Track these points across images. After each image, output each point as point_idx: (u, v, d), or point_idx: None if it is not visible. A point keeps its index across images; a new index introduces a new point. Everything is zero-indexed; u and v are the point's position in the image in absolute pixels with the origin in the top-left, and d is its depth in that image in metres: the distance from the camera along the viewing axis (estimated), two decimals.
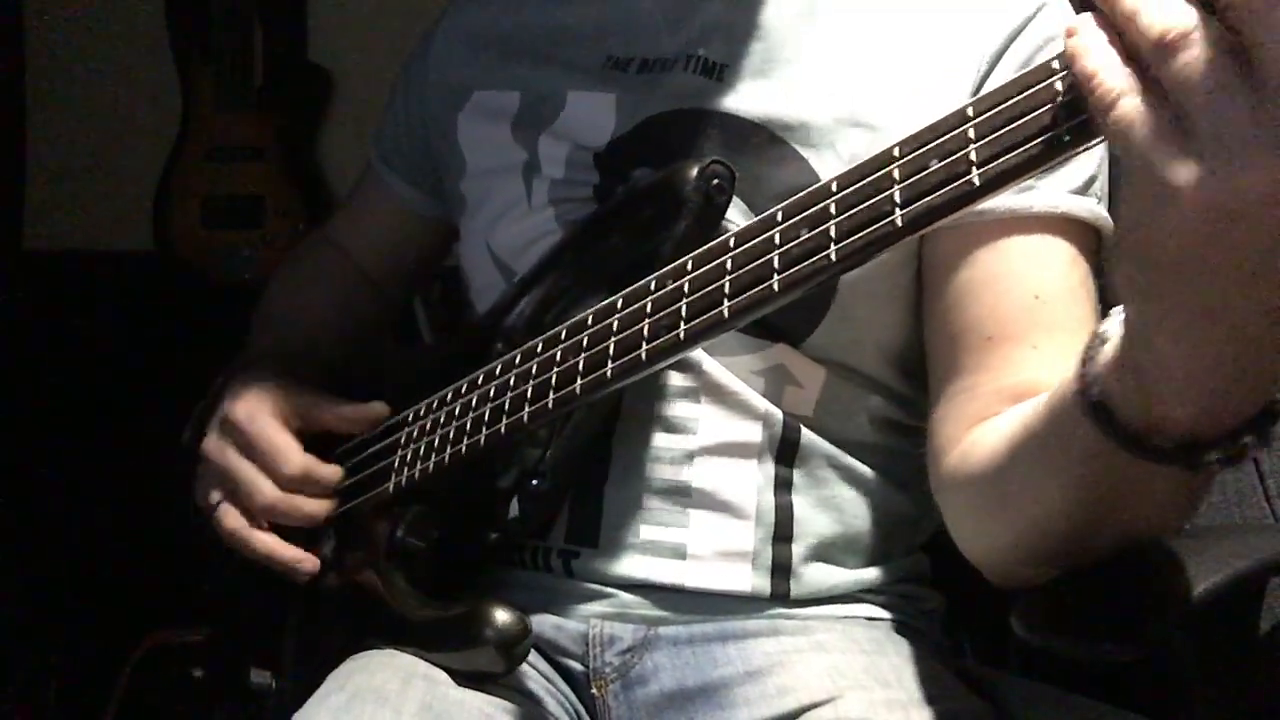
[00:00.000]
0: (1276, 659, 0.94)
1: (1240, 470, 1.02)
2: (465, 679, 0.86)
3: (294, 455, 0.96)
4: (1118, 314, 0.59)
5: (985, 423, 0.80)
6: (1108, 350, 0.59)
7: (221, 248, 2.10)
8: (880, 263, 0.87)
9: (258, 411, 0.97)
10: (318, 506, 0.97)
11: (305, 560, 0.97)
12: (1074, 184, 0.85)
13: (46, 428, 2.12)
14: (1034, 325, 0.82)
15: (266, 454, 0.96)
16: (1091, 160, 0.85)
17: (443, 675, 0.87)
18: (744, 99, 0.90)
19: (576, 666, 0.92)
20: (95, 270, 2.21)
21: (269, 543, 0.97)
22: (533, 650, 0.92)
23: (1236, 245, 0.48)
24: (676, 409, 0.90)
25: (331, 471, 0.98)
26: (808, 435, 0.91)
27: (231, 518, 0.98)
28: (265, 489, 0.96)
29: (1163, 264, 0.51)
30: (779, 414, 0.91)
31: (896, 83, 0.87)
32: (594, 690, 0.91)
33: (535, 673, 0.92)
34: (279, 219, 2.09)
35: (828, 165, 0.87)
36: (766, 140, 0.89)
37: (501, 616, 0.84)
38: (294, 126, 2.14)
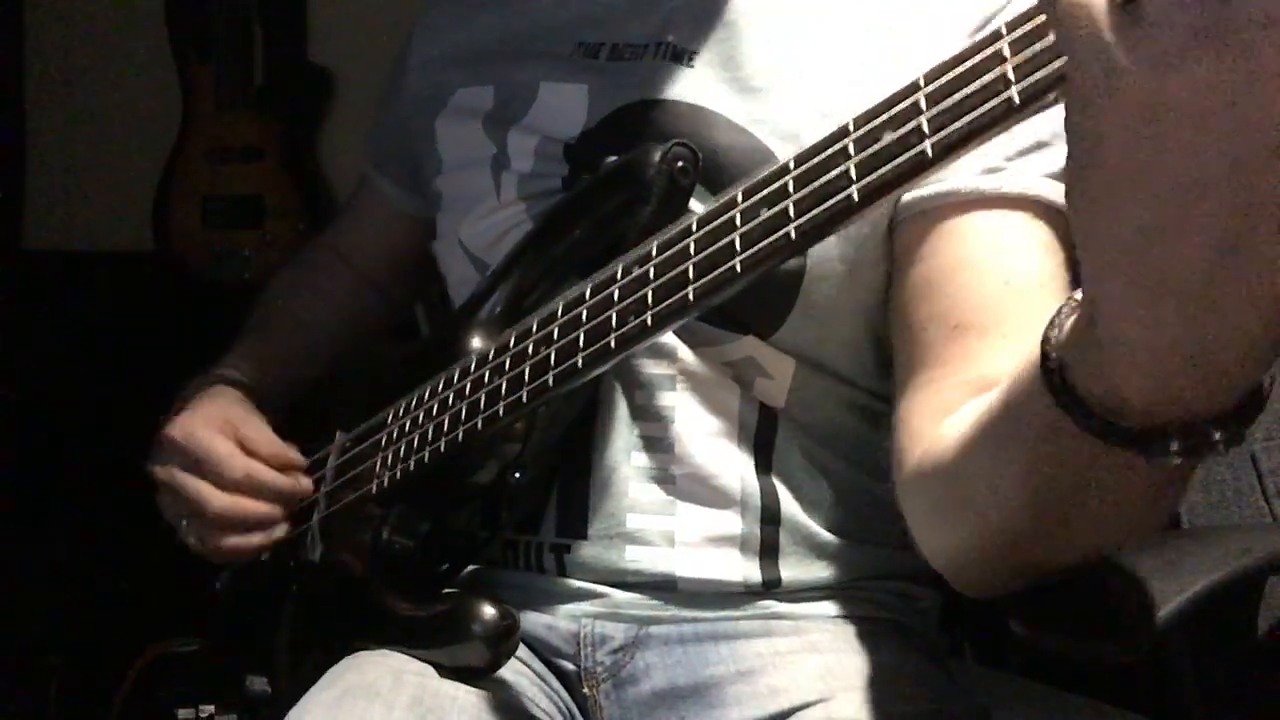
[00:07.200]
0: (1275, 658, 0.94)
1: (1240, 470, 1.02)
2: (456, 677, 0.86)
3: (236, 460, 0.97)
4: None
5: (950, 416, 0.74)
6: (1072, 319, 0.55)
7: (221, 248, 2.10)
8: (847, 260, 0.87)
9: (193, 426, 0.99)
10: (267, 509, 0.98)
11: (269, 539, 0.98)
12: (1049, 168, 0.81)
13: (46, 427, 2.12)
14: (1004, 314, 0.77)
15: (207, 463, 0.97)
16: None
17: (435, 673, 0.86)
18: (711, 90, 0.90)
19: (568, 666, 0.92)
20: (95, 270, 2.21)
21: (230, 547, 0.98)
22: (524, 649, 0.92)
23: (1169, 164, 0.44)
24: (655, 397, 0.90)
25: (277, 478, 0.98)
26: (783, 423, 0.91)
27: (190, 535, 1.00)
28: (213, 497, 0.97)
29: (1101, 183, 0.47)
30: (754, 402, 0.90)
31: (866, 72, 0.86)
32: (586, 689, 0.91)
33: (528, 671, 0.91)
34: (279, 219, 2.09)
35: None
36: (733, 130, 0.88)
37: (489, 611, 0.83)
38: (294, 126, 2.14)
